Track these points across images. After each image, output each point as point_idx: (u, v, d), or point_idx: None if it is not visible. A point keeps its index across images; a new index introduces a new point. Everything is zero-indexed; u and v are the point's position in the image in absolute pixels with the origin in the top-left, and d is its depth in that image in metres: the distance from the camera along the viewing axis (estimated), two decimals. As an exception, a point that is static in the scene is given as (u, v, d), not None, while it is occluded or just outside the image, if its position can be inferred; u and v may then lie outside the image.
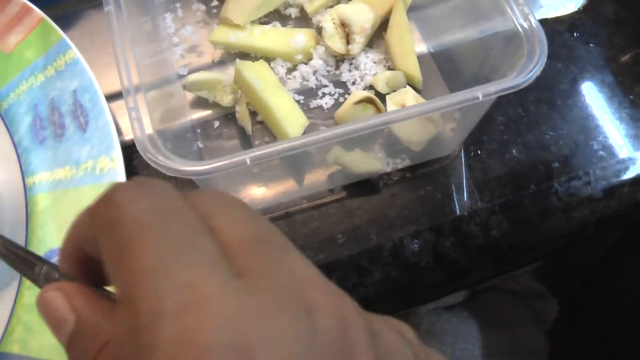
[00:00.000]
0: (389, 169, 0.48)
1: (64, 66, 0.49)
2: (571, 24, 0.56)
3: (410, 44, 0.50)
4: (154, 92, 0.41)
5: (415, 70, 0.50)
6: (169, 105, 0.47)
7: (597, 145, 0.50)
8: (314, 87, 0.51)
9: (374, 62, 0.52)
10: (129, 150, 0.48)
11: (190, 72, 0.52)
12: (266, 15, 0.53)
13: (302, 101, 0.50)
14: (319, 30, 0.52)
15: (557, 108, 0.52)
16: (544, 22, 0.39)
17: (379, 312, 0.51)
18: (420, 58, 0.51)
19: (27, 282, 0.43)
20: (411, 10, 0.54)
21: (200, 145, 0.49)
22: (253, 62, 0.49)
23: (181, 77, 0.52)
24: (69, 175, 0.46)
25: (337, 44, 0.50)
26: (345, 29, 0.50)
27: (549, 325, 0.85)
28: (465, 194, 0.48)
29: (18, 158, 0.48)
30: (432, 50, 0.53)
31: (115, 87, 0.51)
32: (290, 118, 0.47)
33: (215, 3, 0.55)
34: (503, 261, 0.50)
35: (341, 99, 0.50)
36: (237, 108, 0.49)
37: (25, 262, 0.25)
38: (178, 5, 0.55)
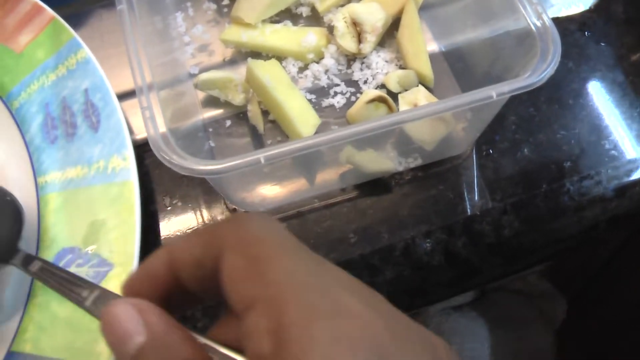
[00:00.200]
0: (401, 168, 0.48)
1: (75, 65, 0.49)
2: (582, 23, 0.56)
3: (422, 43, 0.50)
4: (165, 91, 0.41)
5: (427, 69, 0.50)
6: (181, 104, 0.47)
7: (609, 145, 0.50)
8: (325, 86, 0.51)
9: (386, 61, 0.51)
10: (141, 149, 0.48)
11: (202, 71, 0.52)
12: (277, 14, 0.53)
13: (313, 100, 0.50)
14: (331, 29, 0.52)
15: (568, 107, 0.52)
16: (555, 21, 0.39)
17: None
18: (432, 57, 0.51)
19: (39, 282, 0.43)
20: (422, 9, 0.54)
21: (212, 144, 0.49)
22: (265, 61, 0.49)
23: (192, 76, 0.52)
24: (80, 175, 0.46)
25: (348, 43, 0.50)
26: (357, 28, 0.50)
27: (557, 325, 0.85)
28: (476, 194, 0.48)
29: (30, 157, 0.48)
30: (443, 49, 0.53)
31: (126, 86, 0.51)
32: (302, 117, 0.47)
33: (226, 2, 0.55)
34: (514, 260, 0.50)
35: (353, 98, 0.50)
36: (249, 107, 0.49)
37: (69, 284, 0.26)
38: (189, 4, 0.55)
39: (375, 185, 0.48)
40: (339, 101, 0.50)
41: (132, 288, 0.24)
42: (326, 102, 0.50)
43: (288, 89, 0.48)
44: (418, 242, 0.46)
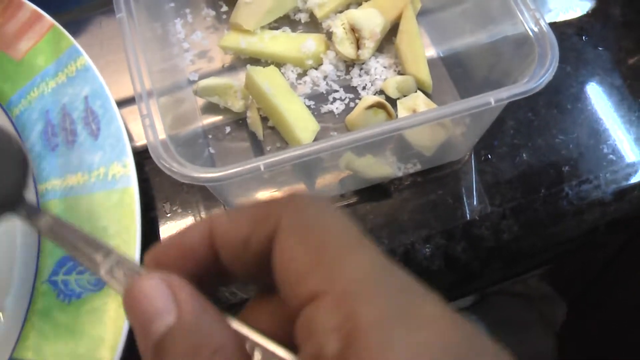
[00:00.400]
0: (400, 174, 0.48)
1: (75, 72, 0.49)
2: (580, 27, 0.56)
3: (421, 48, 0.50)
4: (165, 98, 0.41)
5: (425, 75, 0.50)
6: (180, 111, 0.48)
7: (607, 149, 0.50)
8: (324, 92, 0.51)
9: (384, 67, 0.52)
10: (141, 157, 0.48)
11: (201, 77, 0.52)
12: (276, 21, 0.54)
13: (312, 106, 0.50)
14: (329, 35, 0.52)
15: (567, 112, 0.52)
16: (552, 26, 0.39)
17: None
18: (430, 62, 0.51)
19: (40, 289, 0.43)
20: (421, 14, 0.54)
21: (212, 151, 0.49)
22: (264, 67, 0.49)
23: (192, 82, 0.52)
24: (81, 182, 0.46)
25: (347, 49, 0.50)
26: (355, 34, 0.50)
27: (557, 327, 0.85)
28: (476, 198, 0.48)
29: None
30: (441, 55, 0.53)
31: (126, 93, 0.51)
32: (302, 123, 0.47)
33: (224, 9, 0.56)
34: (514, 264, 0.50)
35: (352, 104, 0.51)
36: (248, 113, 0.50)
37: (82, 243, 0.24)
38: (188, 11, 0.56)
39: (374, 191, 0.48)
40: (337, 107, 0.50)
41: (159, 260, 0.22)
42: (325, 108, 0.50)
43: (287, 95, 0.48)
44: (418, 247, 0.47)
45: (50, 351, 0.41)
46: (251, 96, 0.49)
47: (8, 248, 0.46)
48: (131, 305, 0.20)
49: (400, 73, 0.51)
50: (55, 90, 0.49)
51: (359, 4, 0.54)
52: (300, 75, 0.52)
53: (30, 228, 0.36)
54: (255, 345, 0.20)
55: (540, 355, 0.82)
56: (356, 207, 0.48)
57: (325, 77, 0.52)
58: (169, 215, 0.48)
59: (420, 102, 0.48)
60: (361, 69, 0.52)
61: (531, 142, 0.50)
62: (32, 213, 0.29)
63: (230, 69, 0.53)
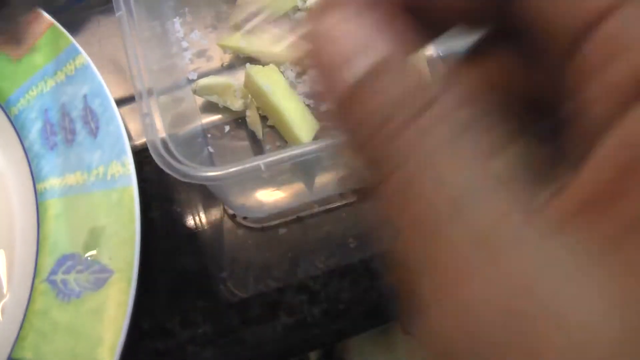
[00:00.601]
0: (399, 173, 0.48)
1: (74, 71, 0.49)
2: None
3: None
4: (164, 97, 0.41)
5: (424, 74, 0.50)
6: (179, 109, 0.47)
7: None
8: (324, 91, 0.51)
9: (384, 66, 0.51)
10: (140, 156, 0.48)
11: (200, 76, 0.52)
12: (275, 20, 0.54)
13: (312, 105, 0.50)
14: (328, 35, 0.52)
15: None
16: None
17: (390, 316, 0.51)
18: (430, 62, 0.51)
19: (39, 288, 0.43)
20: (420, 13, 0.54)
21: (211, 150, 0.49)
22: (263, 66, 0.49)
23: (191, 81, 0.52)
24: (80, 181, 0.46)
25: (346, 48, 0.50)
26: (355, 33, 0.50)
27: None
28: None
29: (29, 164, 0.48)
30: (441, 54, 0.53)
31: (124, 92, 0.51)
32: (301, 122, 0.47)
33: (224, 8, 0.55)
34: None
35: (351, 103, 0.50)
36: (248, 112, 0.49)
37: None
38: (187, 9, 0.55)
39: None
40: (337, 106, 0.50)
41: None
42: (324, 106, 0.50)
43: (286, 94, 0.48)
44: (417, 247, 0.46)
45: (49, 351, 0.41)
46: (250, 95, 0.49)
47: (7, 247, 0.46)
48: (320, 41, 0.15)
49: (399, 72, 0.51)
50: (54, 89, 0.49)
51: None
52: (300, 74, 0.52)
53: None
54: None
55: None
56: (356, 206, 0.48)
57: (324, 76, 0.51)
58: (168, 214, 0.48)
59: (420, 101, 0.48)
60: (360, 68, 0.52)
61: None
62: None
63: (230, 68, 0.53)
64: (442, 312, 0.13)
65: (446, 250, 0.13)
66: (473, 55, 0.17)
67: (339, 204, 0.48)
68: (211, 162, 0.49)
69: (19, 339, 0.42)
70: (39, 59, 0.50)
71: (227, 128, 0.50)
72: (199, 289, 0.45)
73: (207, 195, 0.48)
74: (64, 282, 0.43)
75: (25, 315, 0.43)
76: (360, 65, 0.14)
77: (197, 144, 0.48)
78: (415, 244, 0.14)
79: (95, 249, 0.43)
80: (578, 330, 0.11)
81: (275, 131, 0.49)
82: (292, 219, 0.47)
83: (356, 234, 0.46)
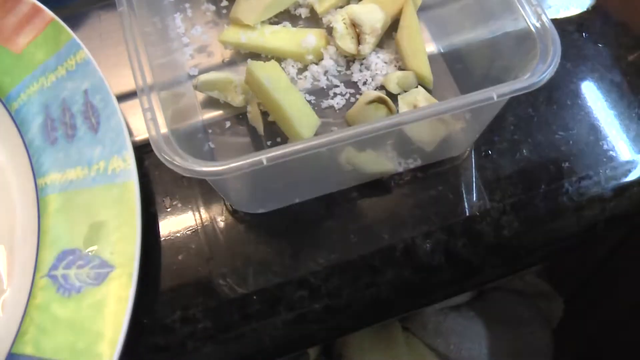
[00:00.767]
0: (400, 169, 0.48)
1: (75, 66, 0.49)
2: (580, 24, 0.56)
3: (421, 44, 0.50)
4: (165, 93, 0.41)
5: (426, 70, 0.50)
6: (180, 105, 0.47)
7: (607, 145, 0.50)
8: (325, 87, 0.51)
9: (385, 62, 0.52)
10: (140, 151, 0.48)
11: (201, 72, 0.52)
12: (276, 16, 0.53)
13: (313, 101, 0.50)
14: (330, 31, 0.52)
15: (566, 108, 0.52)
16: (553, 22, 0.39)
17: (390, 312, 0.51)
18: (431, 58, 0.51)
19: (40, 283, 0.43)
20: (421, 10, 0.54)
21: (212, 146, 0.49)
22: (264, 62, 0.49)
23: (191, 77, 0.52)
24: (80, 176, 0.46)
25: (347, 44, 0.50)
26: (356, 29, 0.50)
27: (555, 324, 0.85)
28: (476, 194, 0.48)
29: (29, 159, 0.48)
30: (442, 51, 0.53)
31: (125, 87, 0.51)
32: (302, 118, 0.47)
33: (224, 3, 0.55)
34: (514, 260, 0.50)
35: (352, 99, 0.50)
36: (249, 108, 0.49)
37: None
38: (187, 5, 0.55)
39: (375, 186, 0.48)
40: (338, 102, 0.50)
41: None
42: (325, 103, 0.50)
43: (287, 90, 0.48)
44: (418, 243, 0.47)
45: (50, 346, 0.41)
46: (251, 91, 0.49)
47: (7, 242, 0.46)
48: None
49: (400, 68, 0.51)
50: (55, 84, 0.49)
51: (360, 0, 0.54)
52: (301, 70, 0.52)
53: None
54: None
55: (537, 352, 0.82)
56: (356, 202, 0.48)
57: (325, 72, 0.51)
58: (168, 209, 0.48)
59: (421, 98, 0.48)
60: (362, 64, 0.52)
61: (531, 138, 0.50)
62: None
63: (231, 63, 0.53)
64: None
65: None
66: None
67: (340, 199, 0.48)
68: (212, 158, 0.49)
69: (19, 333, 0.42)
70: (40, 54, 0.50)
71: (228, 124, 0.50)
72: (200, 284, 0.45)
73: (208, 190, 0.48)
74: (65, 277, 0.43)
75: (25, 310, 0.43)
76: None
77: (198, 139, 0.48)
78: None
79: (96, 244, 0.43)
80: None
81: (276, 127, 0.49)
82: (292, 214, 0.47)
83: (356, 230, 0.47)
